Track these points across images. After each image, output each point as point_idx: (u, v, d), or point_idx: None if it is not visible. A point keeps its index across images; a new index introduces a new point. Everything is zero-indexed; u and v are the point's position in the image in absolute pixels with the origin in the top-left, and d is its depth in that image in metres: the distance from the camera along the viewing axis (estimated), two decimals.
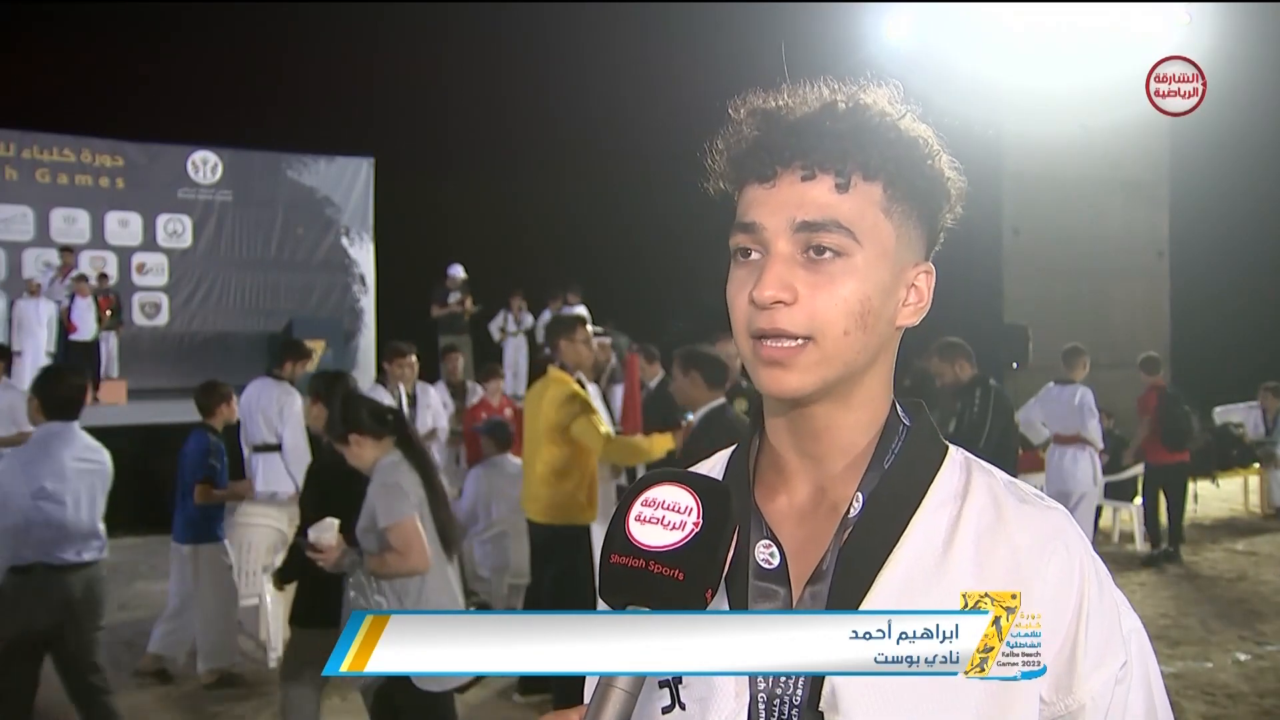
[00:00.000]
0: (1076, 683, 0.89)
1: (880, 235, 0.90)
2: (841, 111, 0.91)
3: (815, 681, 0.87)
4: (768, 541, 0.93)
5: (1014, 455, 5.67)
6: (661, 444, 4.79)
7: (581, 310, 12.42)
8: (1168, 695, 0.96)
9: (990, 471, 0.97)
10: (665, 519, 0.81)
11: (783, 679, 0.88)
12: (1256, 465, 10.29)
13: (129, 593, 7.00)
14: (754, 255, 0.91)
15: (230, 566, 5.42)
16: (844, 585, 0.89)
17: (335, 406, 3.59)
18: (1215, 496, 10.37)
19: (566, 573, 4.86)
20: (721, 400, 4.23)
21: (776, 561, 0.92)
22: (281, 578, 4.12)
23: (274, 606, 5.76)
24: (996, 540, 0.91)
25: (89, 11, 11.65)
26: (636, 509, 0.82)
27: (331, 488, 3.68)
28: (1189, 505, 9.97)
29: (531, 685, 4.82)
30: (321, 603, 3.52)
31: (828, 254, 0.89)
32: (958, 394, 5.48)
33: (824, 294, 0.88)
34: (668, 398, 5.70)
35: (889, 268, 0.91)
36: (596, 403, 5.34)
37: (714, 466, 1.04)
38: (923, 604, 0.88)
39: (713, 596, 0.80)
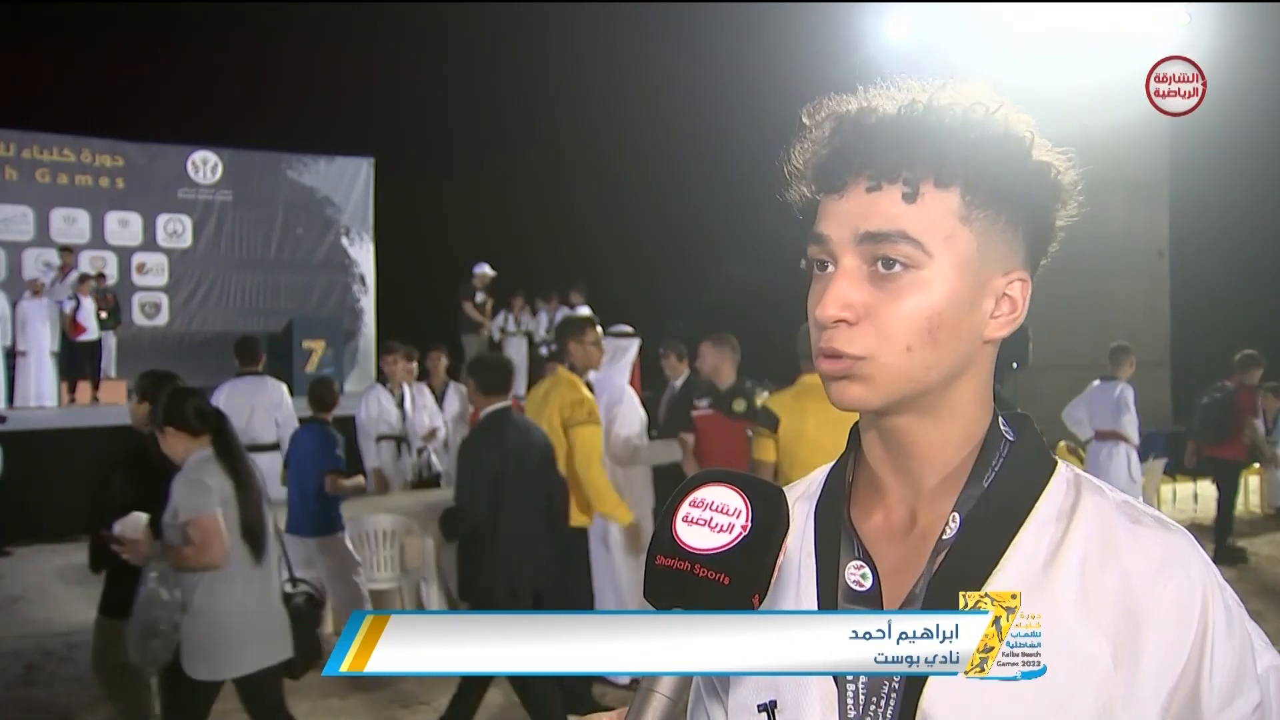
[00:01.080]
0: None
1: (957, 245, 0.86)
2: (917, 114, 0.86)
3: (906, 710, 0.84)
4: (860, 563, 0.90)
5: None
6: (621, 514, 4.81)
7: (585, 310, 12.45)
8: None
9: (1102, 491, 0.91)
10: (713, 521, 0.78)
11: (871, 710, 0.86)
12: (1256, 465, 10.30)
13: None
14: (829, 268, 0.88)
15: (353, 553, 5.69)
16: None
17: (160, 399, 3.63)
18: (1215, 496, 10.37)
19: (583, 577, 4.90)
20: (505, 404, 4.18)
21: (869, 584, 0.89)
22: (91, 566, 4.17)
23: None
24: (1106, 567, 0.85)
25: (89, 11, 11.65)
26: (684, 509, 0.80)
27: (146, 481, 3.72)
28: (1189, 505, 10.01)
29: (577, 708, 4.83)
30: (129, 593, 3.55)
31: (896, 267, 0.85)
32: None
33: (888, 312, 0.85)
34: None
35: (968, 279, 0.86)
36: (633, 402, 5.39)
37: (813, 481, 1.01)
38: None
39: (760, 602, 0.78)
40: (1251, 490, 10.48)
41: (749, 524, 0.78)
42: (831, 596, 0.90)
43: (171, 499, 3.44)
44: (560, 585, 4.32)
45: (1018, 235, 0.90)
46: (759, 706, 0.90)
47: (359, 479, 5.83)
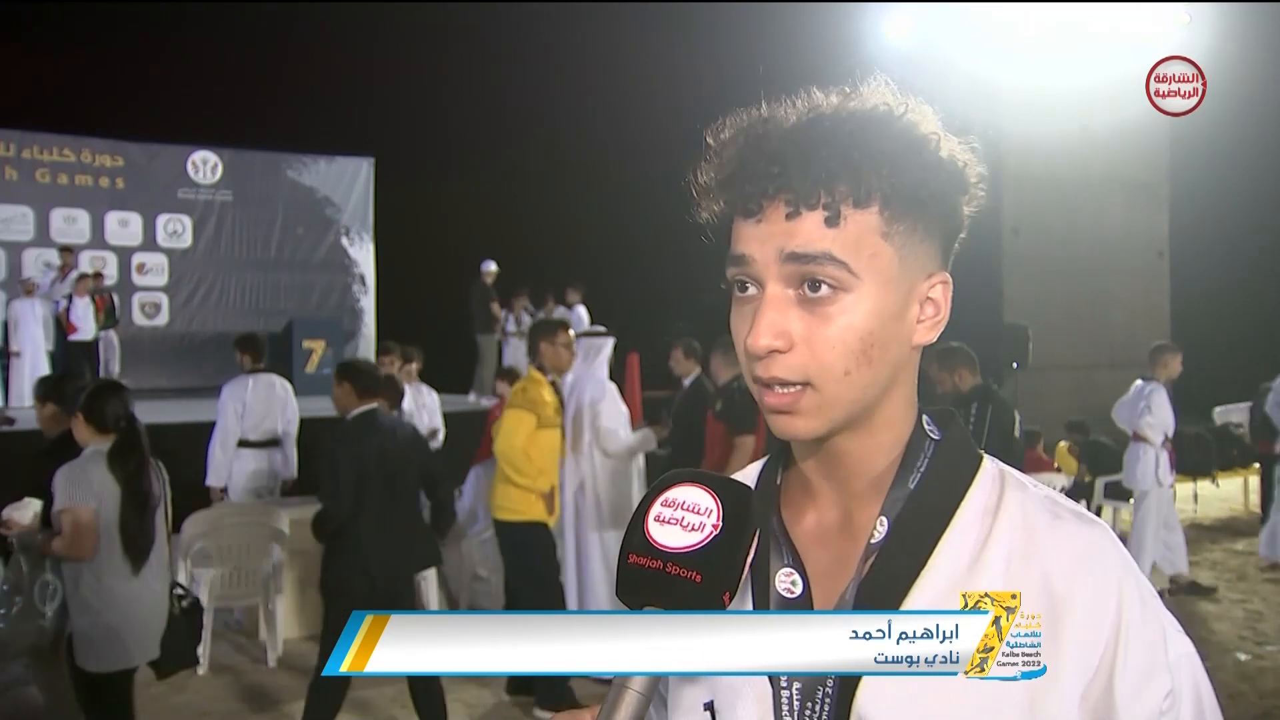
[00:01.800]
0: (1115, 713, 0.83)
1: (881, 262, 0.85)
2: (825, 129, 0.85)
3: (840, 712, 0.85)
4: (789, 570, 0.90)
5: (1018, 469, 5.61)
6: (541, 482, 4.88)
7: (581, 310, 12.44)
8: None
9: (1025, 486, 0.92)
10: (685, 520, 0.80)
11: (807, 709, 0.86)
12: (1256, 465, 10.29)
13: None
14: (750, 290, 0.87)
15: None
16: None
17: (80, 394, 3.72)
18: (1215, 496, 10.38)
19: (523, 571, 4.97)
20: (374, 406, 4.34)
21: (799, 591, 0.90)
22: None
23: (274, 607, 5.78)
24: (1028, 562, 0.86)
25: (89, 11, 11.65)
26: (656, 509, 0.81)
27: (42, 470, 3.79)
28: (1189, 505, 10.00)
29: (549, 701, 4.86)
30: None
31: (824, 289, 0.84)
32: (957, 404, 5.38)
33: (821, 337, 0.84)
34: (701, 394, 5.78)
35: (894, 293, 0.86)
36: (614, 395, 5.56)
37: (746, 478, 1.00)
38: None
39: (731, 599, 0.79)
40: (1252, 490, 10.48)
41: (720, 523, 0.79)
42: (765, 602, 0.90)
43: (54, 486, 3.50)
44: (407, 577, 4.53)
45: (933, 238, 0.89)
46: (704, 705, 0.90)
47: None
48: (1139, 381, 7.59)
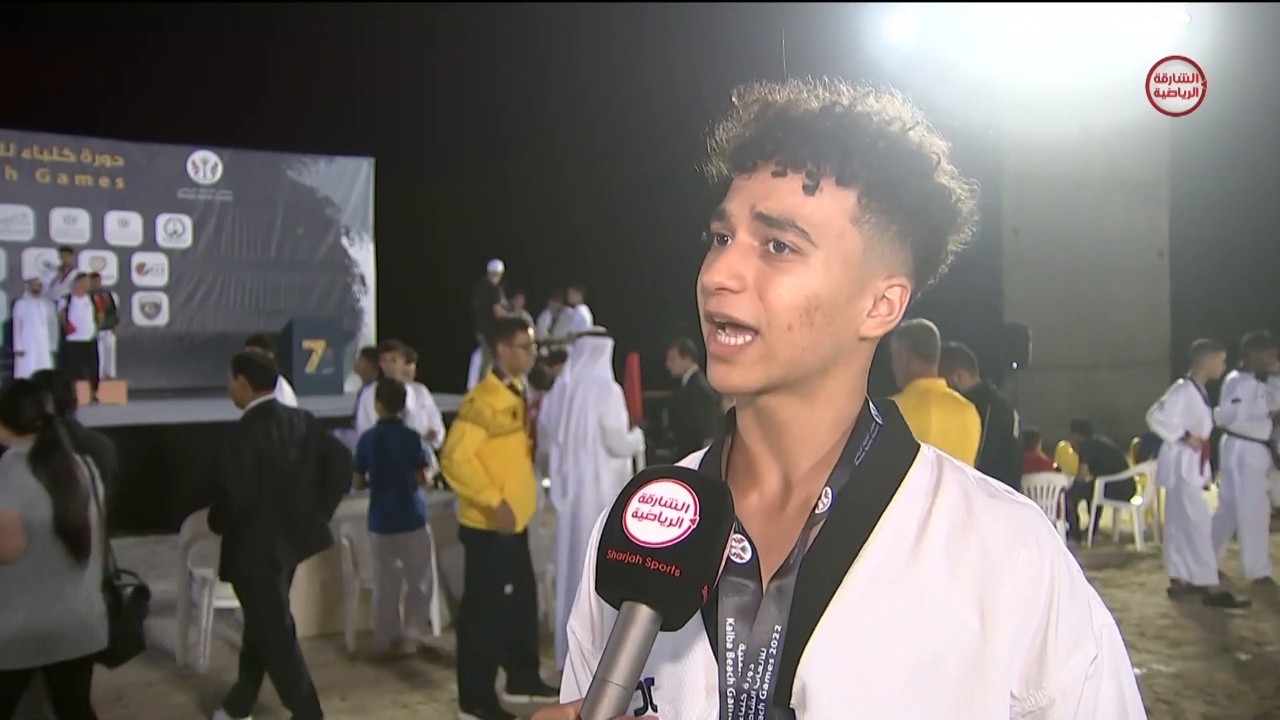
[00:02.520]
0: (1046, 677, 0.89)
1: (844, 244, 0.90)
2: (836, 114, 0.91)
3: (784, 678, 0.87)
4: (739, 536, 0.93)
5: (1017, 469, 5.58)
6: (487, 495, 4.72)
7: (584, 310, 12.43)
8: (1140, 693, 0.95)
9: (962, 469, 0.97)
10: (662, 515, 0.81)
11: (749, 676, 0.89)
12: None
13: None
14: (727, 240, 0.93)
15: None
16: (810, 581, 0.89)
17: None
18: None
19: (470, 578, 4.88)
20: (270, 397, 4.56)
21: (748, 556, 0.92)
22: None
23: None
24: (968, 536, 0.91)
25: (89, 11, 11.65)
26: (634, 505, 0.82)
27: None
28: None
29: (471, 706, 4.85)
30: None
31: (786, 251, 0.89)
32: None
33: (771, 287, 0.89)
34: (698, 392, 5.76)
35: (850, 276, 0.91)
36: (618, 395, 5.48)
37: (690, 463, 1.04)
38: (890, 599, 0.88)
39: (709, 593, 0.81)
40: None
41: (697, 518, 0.81)
42: None
43: None
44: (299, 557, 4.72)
45: (906, 246, 0.94)
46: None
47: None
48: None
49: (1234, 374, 7.36)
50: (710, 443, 1.05)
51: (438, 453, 7.82)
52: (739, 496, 0.96)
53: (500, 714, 4.80)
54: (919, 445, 0.98)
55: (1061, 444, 9.29)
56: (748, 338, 0.90)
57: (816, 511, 0.92)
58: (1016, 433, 5.26)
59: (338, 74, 12.38)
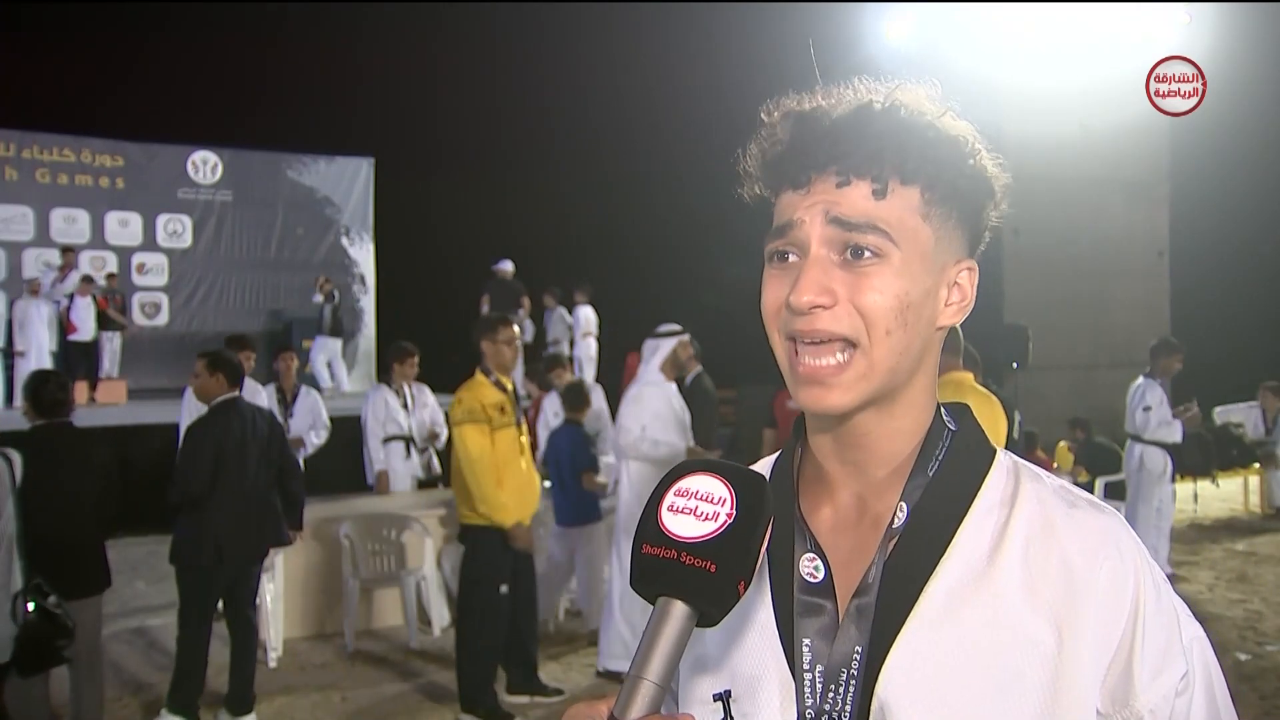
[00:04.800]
0: (1134, 694, 0.86)
1: (919, 239, 0.89)
2: (877, 112, 0.89)
3: (864, 697, 0.86)
4: (812, 555, 0.91)
5: None
6: (504, 514, 4.74)
7: (589, 310, 12.42)
8: (1233, 704, 0.92)
9: (1039, 477, 0.94)
10: (698, 509, 0.79)
11: (830, 698, 0.87)
12: (1256, 465, 10.30)
13: (130, 592, 6.99)
14: (791, 258, 0.90)
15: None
16: (889, 599, 0.87)
17: None
18: (1215, 496, 10.37)
19: (470, 576, 4.88)
20: (235, 394, 4.79)
21: (821, 575, 0.90)
22: None
23: (274, 606, 5.78)
24: (1047, 549, 0.88)
25: (90, 11, 11.65)
26: (669, 499, 0.81)
27: None
28: (1189, 505, 9.99)
29: (471, 707, 4.85)
30: None
31: (867, 255, 0.87)
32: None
33: (864, 294, 0.87)
34: (702, 392, 5.73)
35: (928, 270, 0.90)
36: (667, 403, 5.42)
37: (761, 469, 1.01)
38: (968, 616, 0.86)
39: (745, 588, 0.79)
40: (1252, 490, 10.48)
41: (734, 511, 0.79)
42: (787, 589, 0.91)
43: None
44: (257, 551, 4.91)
45: (963, 228, 0.94)
46: (714, 696, 0.90)
47: (603, 479, 6.21)
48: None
49: (1140, 380, 7.49)
50: (770, 451, 1.02)
51: (439, 454, 7.85)
52: (811, 510, 0.95)
53: (500, 715, 4.79)
54: (995, 450, 0.95)
55: (1061, 444, 9.30)
56: (845, 355, 0.87)
57: (892, 526, 0.90)
58: (1016, 434, 5.26)
59: (338, 74, 12.38)
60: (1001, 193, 0.95)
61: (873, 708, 0.85)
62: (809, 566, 0.91)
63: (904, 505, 0.91)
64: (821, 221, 0.88)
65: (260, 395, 6.62)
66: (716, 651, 0.93)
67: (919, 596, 0.87)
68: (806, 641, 0.89)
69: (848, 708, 0.86)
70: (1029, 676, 0.84)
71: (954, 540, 0.89)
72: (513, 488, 4.79)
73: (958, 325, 0.95)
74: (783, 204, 0.91)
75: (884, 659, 0.85)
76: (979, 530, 0.90)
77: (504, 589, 4.86)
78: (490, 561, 4.80)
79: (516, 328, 5.05)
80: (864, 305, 0.86)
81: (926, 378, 0.94)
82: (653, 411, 5.40)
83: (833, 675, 0.87)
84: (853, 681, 0.87)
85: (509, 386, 4.93)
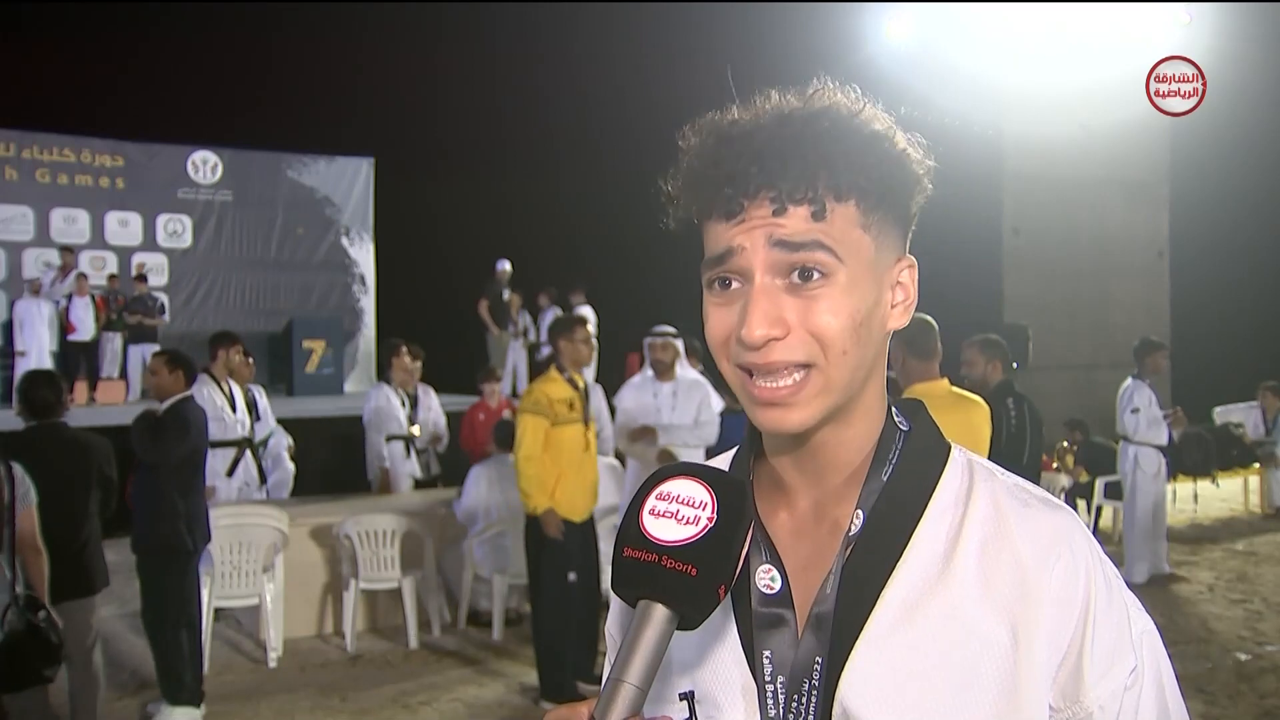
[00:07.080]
0: (1084, 690, 0.87)
1: (862, 250, 0.86)
2: (800, 126, 0.85)
3: (826, 705, 0.86)
4: (768, 566, 0.91)
5: (1039, 470, 5.63)
6: (534, 502, 4.92)
7: (586, 310, 12.42)
8: (1182, 696, 0.94)
9: (993, 474, 0.94)
10: (679, 513, 0.80)
11: (794, 708, 0.87)
12: (1256, 465, 10.30)
13: (129, 592, 6.98)
14: (734, 285, 0.87)
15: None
16: (847, 607, 0.87)
17: None
18: (1215, 496, 10.38)
19: (536, 565, 5.03)
20: (190, 394, 4.92)
21: (778, 586, 0.90)
22: None
23: (274, 606, 5.78)
24: (1000, 549, 0.88)
25: (89, 11, 11.64)
26: (650, 502, 0.81)
27: None
28: (1189, 505, 9.99)
29: (552, 695, 4.90)
30: None
31: (815, 275, 0.84)
32: (986, 394, 4.78)
33: (817, 318, 0.84)
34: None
35: (874, 279, 0.88)
36: (657, 398, 5.96)
37: (719, 465, 1.01)
38: (925, 619, 0.87)
39: (726, 592, 0.79)
40: (1251, 490, 10.48)
41: (715, 516, 0.79)
42: (746, 599, 0.91)
43: None
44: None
45: (898, 227, 0.91)
46: (680, 695, 0.91)
47: None
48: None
49: (1129, 382, 7.50)
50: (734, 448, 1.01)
51: (439, 455, 7.85)
52: (769, 516, 0.94)
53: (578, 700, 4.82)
54: (949, 447, 0.95)
55: (1061, 443, 9.29)
56: (801, 375, 0.85)
57: (849, 534, 0.90)
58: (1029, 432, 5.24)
59: (338, 74, 12.38)
60: (925, 174, 0.92)
61: (834, 714, 0.85)
62: (765, 578, 0.91)
63: (860, 512, 0.90)
64: (765, 246, 0.84)
65: (431, 394, 7.31)
66: (681, 657, 0.93)
67: (876, 603, 0.87)
68: (767, 653, 0.89)
69: (810, 717, 0.86)
70: (986, 675, 0.85)
71: (909, 545, 0.89)
72: (573, 483, 4.97)
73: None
74: (716, 230, 0.87)
75: (843, 667, 0.86)
76: (934, 533, 0.89)
77: (572, 576, 4.99)
78: (558, 550, 4.93)
79: (591, 327, 5.40)
80: (818, 330, 0.84)
81: (877, 382, 0.93)
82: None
83: (795, 685, 0.87)
84: (814, 691, 0.87)
85: (581, 384, 5.12)
